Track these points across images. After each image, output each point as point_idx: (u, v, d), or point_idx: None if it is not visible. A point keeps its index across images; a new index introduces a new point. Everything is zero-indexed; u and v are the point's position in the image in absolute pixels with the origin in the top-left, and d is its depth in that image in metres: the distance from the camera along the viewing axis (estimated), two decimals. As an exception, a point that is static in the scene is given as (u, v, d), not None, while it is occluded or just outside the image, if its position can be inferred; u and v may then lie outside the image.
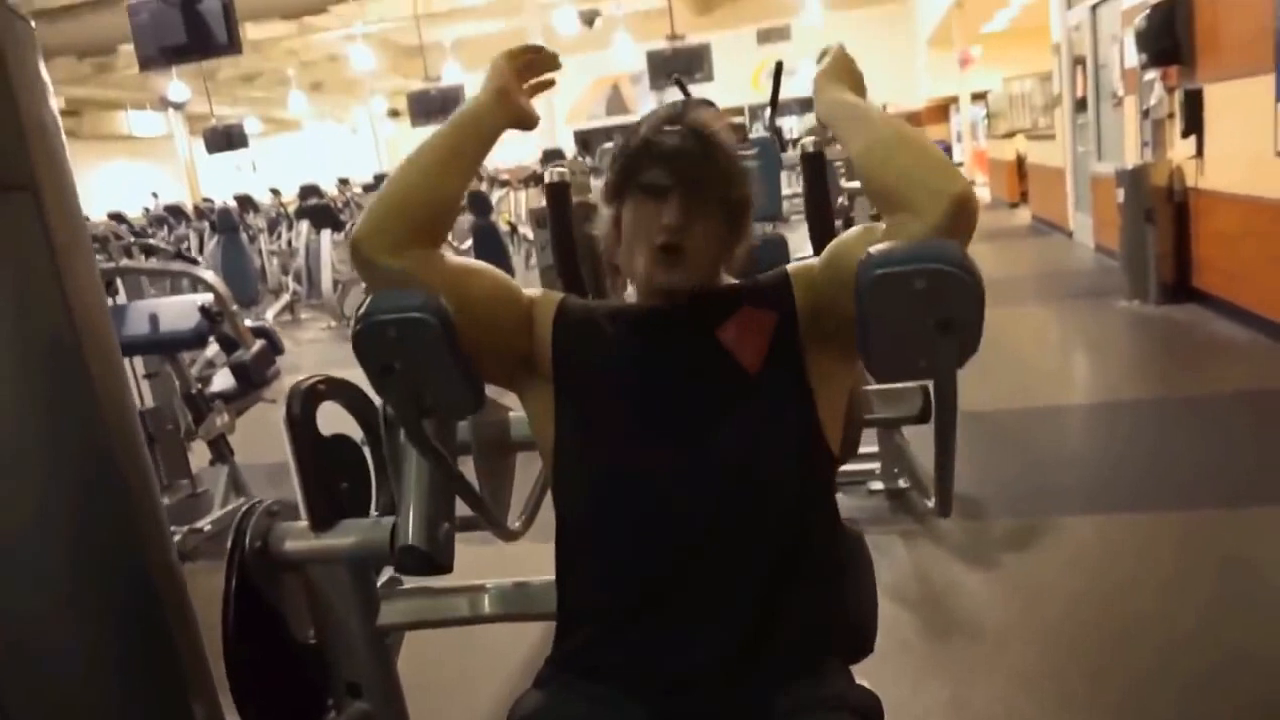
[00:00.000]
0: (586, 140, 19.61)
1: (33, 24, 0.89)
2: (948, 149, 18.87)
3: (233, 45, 7.59)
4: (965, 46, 15.14)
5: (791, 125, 14.41)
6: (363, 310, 0.99)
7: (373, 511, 1.48)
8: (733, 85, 15.49)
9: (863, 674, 1.13)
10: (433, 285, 1.00)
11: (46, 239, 0.87)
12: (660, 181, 1.05)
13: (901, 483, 3.21)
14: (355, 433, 1.48)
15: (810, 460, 1.08)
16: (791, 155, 7.37)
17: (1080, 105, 7.79)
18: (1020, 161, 10.65)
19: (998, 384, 4.40)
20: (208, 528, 3.49)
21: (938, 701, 2.05)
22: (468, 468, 1.40)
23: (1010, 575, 2.62)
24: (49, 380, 0.89)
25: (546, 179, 1.43)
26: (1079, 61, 7.75)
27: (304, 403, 1.32)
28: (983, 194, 13.51)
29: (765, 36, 17.72)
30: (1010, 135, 11.28)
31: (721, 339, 1.08)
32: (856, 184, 6.02)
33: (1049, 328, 5.61)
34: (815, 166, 1.99)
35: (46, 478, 0.91)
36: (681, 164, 1.06)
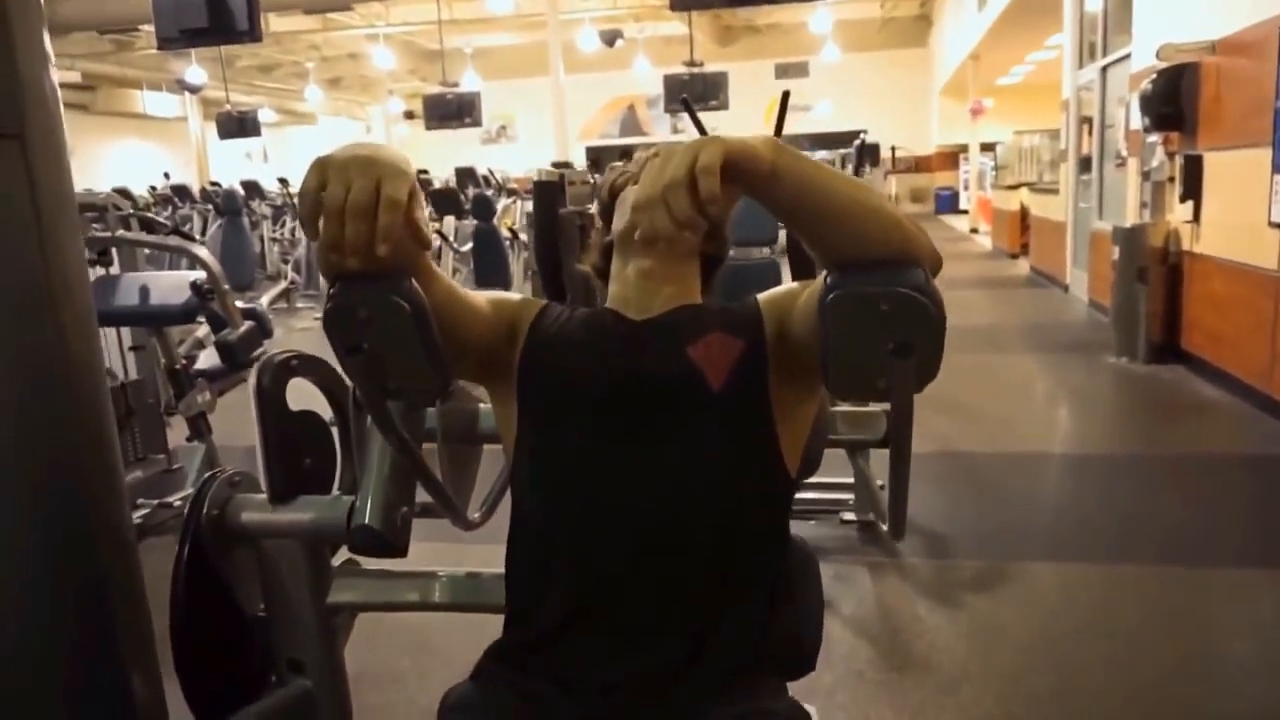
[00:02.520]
0: (598, 158, 19.73)
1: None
2: (955, 195, 19.05)
3: (253, 33, 7.60)
4: (978, 97, 15.31)
5: (802, 159, 14.53)
6: (335, 289, 0.99)
7: (334, 491, 1.49)
8: (747, 116, 15.63)
9: (813, 700, 1.13)
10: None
11: (31, 192, 0.88)
12: None
13: (872, 515, 3.23)
14: (326, 412, 1.49)
15: (764, 480, 1.09)
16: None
17: (1085, 163, 7.87)
18: (1023, 213, 10.74)
19: (980, 428, 4.43)
20: (178, 503, 3.50)
21: (884, 733, 2.05)
22: (434, 455, 1.41)
23: (970, 616, 2.62)
24: (18, 335, 0.89)
25: (536, 177, 1.45)
26: (1086, 120, 7.84)
27: (274, 376, 1.33)
28: (984, 242, 13.60)
29: (783, 71, 17.94)
30: (1015, 187, 11.38)
31: (691, 355, 1.09)
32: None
33: (1036, 378, 5.64)
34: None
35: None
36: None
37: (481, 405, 1.47)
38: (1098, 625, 2.53)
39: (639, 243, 1.14)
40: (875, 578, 2.85)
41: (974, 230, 15.25)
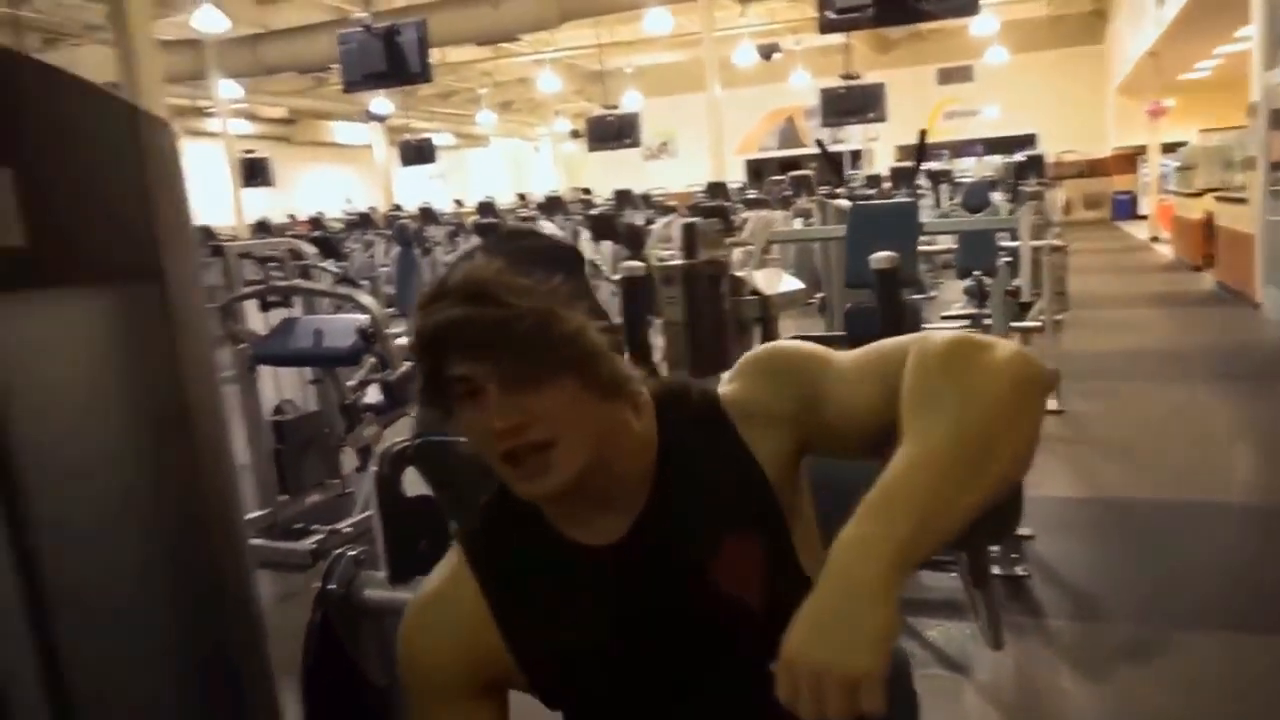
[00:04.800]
0: (759, 169, 19.71)
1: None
2: (1134, 200, 17.74)
3: (424, 74, 8.29)
4: (1158, 96, 14.26)
5: (968, 165, 14.03)
6: None
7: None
8: (910, 124, 15.18)
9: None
10: None
11: (167, 325, 0.91)
12: (461, 374, 0.80)
13: (1019, 570, 3.09)
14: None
15: None
16: (952, 203, 7.15)
17: (1277, 168, 7.20)
18: (1209, 222, 9.89)
19: (1147, 472, 4.14)
20: (348, 529, 3.79)
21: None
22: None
23: (1119, 693, 2.47)
24: (157, 463, 0.91)
25: (621, 274, 1.47)
26: (1278, 123, 7.17)
27: (391, 465, 1.45)
28: (1164, 251, 12.64)
29: (946, 76, 17.35)
30: (1200, 194, 10.49)
31: (717, 580, 0.87)
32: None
33: (1217, 413, 5.19)
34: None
35: (144, 542, 0.95)
36: (468, 339, 0.80)
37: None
38: (1265, 709, 2.33)
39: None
40: (1016, 641, 2.73)
41: (1154, 239, 14.18)
